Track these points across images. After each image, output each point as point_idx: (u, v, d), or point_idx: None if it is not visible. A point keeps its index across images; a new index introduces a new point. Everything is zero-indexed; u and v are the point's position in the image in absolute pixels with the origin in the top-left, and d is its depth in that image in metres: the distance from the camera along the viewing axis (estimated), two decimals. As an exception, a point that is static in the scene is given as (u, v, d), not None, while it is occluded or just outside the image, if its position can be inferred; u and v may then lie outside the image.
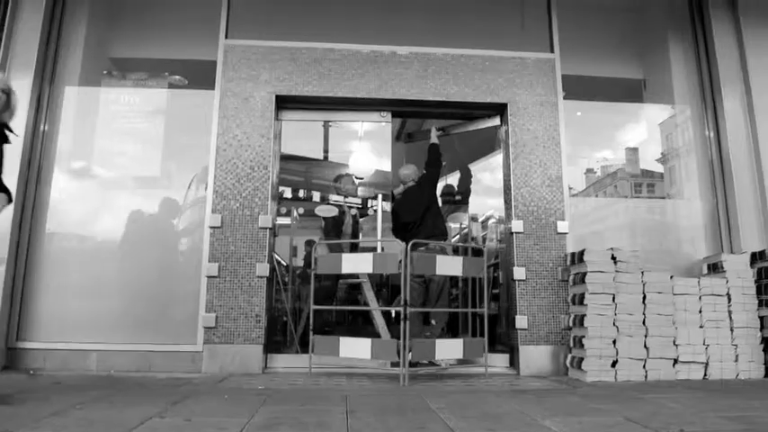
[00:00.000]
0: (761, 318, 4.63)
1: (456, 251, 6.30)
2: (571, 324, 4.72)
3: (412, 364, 4.34)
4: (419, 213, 5.24)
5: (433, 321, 5.12)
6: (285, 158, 5.82)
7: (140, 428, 2.52)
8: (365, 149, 7.24)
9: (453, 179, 7.67)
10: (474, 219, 7.16)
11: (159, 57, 5.52)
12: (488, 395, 3.66)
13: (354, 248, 6.23)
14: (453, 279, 5.90)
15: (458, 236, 7.41)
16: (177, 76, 5.38)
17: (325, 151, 7.55)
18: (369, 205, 7.15)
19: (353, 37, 5.39)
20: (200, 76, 5.30)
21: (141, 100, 5.26)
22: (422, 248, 4.89)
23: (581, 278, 4.57)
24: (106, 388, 3.65)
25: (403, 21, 5.64)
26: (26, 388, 3.60)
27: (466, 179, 6.99)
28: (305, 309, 5.68)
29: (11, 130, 3.38)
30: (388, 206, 5.86)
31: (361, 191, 7.19)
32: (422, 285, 5.13)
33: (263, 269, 4.79)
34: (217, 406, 3.15)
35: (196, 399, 3.34)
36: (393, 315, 5.20)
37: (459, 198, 7.09)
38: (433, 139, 5.58)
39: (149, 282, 4.85)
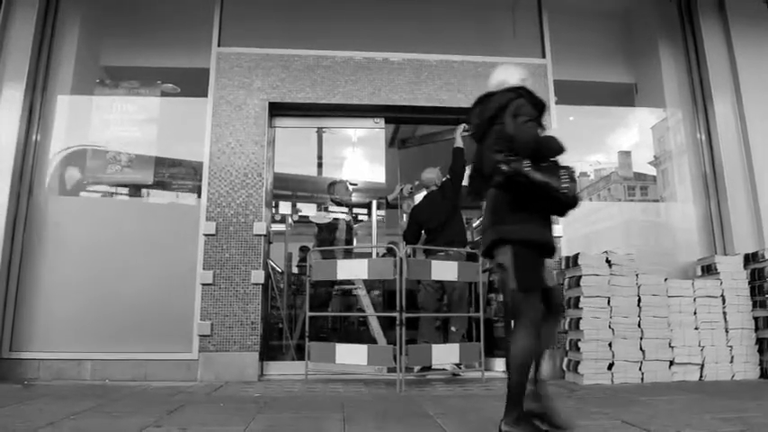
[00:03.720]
0: (755, 319, 4.65)
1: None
2: (567, 327, 4.72)
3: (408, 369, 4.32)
4: (441, 219, 5.10)
5: (453, 328, 5.03)
6: (279, 178, 5.76)
7: (136, 438, 2.50)
8: (360, 155, 7.24)
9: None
10: (468, 222, 7.16)
11: (152, 65, 5.52)
12: (486, 400, 3.66)
13: (349, 254, 6.21)
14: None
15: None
16: (170, 85, 5.38)
17: (319, 158, 7.54)
18: (363, 211, 7.15)
19: (346, 44, 5.41)
20: (192, 83, 5.30)
21: (134, 108, 5.25)
22: (441, 254, 4.86)
23: (576, 281, 4.58)
24: (101, 397, 3.62)
25: (395, 28, 5.66)
26: (20, 398, 3.57)
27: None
28: (300, 315, 5.66)
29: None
30: (382, 212, 5.83)
31: (355, 197, 7.18)
32: (438, 291, 5.04)
33: (258, 276, 4.78)
34: (213, 414, 3.13)
35: (192, 407, 3.32)
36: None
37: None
38: (458, 142, 5.32)
39: (144, 290, 4.81)
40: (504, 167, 2.43)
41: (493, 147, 2.55)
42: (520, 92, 2.64)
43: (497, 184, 2.49)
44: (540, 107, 2.65)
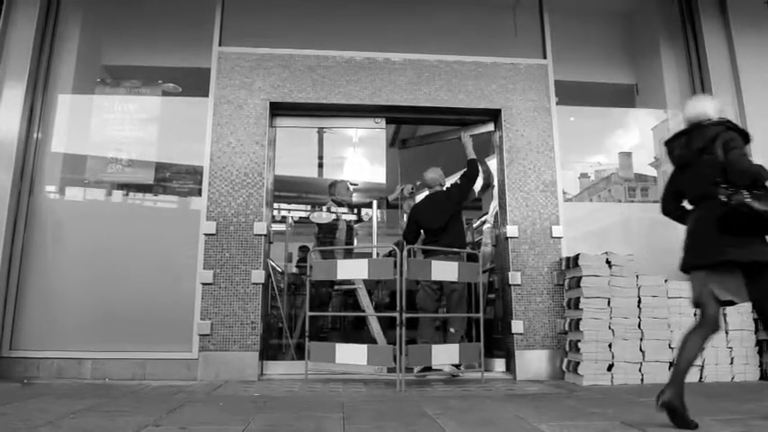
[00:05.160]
0: (755, 320, 4.64)
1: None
2: (567, 328, 4.72)
3: (408, 370, 4.32)
4: (444, 221, 5.03)
5: (451, 329, 5.01)
6: (280, 180, 5.73)
7: (135, 437, 2.50)
8: (360, 155, 7.23)
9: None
10: (468, 223, 7.15)
11: (153, 64, 5.53)
12: (485, 400, 3.66)
13: (349, 254, 6.21)
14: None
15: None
16: (171, 84, 5.38)
17: (320, 158, 7.54)
18: (364, 211, 7.13)
19: (347, 44, 5.41)
20: (193, 83, 5.30)
21: (135, 107, 5.25)
22: (441, 256, 4.84)
23: (576, 282, 4.58)
24: (101, 396, 3.63)
25: (396, 28, 5.66)
26: (20, 397, 3.57)
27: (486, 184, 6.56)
28: (300, 315, 5.66)
29: None
30: (383, 212, 5.80)
31: (355, 197, 7.18)
32: (436, 292, 5.01)
33: (258, 276, 4.78)
34: (212, 414, 3.14)
35: (191, 407, 3.32)
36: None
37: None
38: (471, 154, 5.25)
39: (144, 289, 4.82)
40: (724, 199, 2.73)
41: (709, 178, 2.84)
42: (728, 125, 2.92)
43: (721, 215, 2.77)
44: (746, 138, 2.93)
